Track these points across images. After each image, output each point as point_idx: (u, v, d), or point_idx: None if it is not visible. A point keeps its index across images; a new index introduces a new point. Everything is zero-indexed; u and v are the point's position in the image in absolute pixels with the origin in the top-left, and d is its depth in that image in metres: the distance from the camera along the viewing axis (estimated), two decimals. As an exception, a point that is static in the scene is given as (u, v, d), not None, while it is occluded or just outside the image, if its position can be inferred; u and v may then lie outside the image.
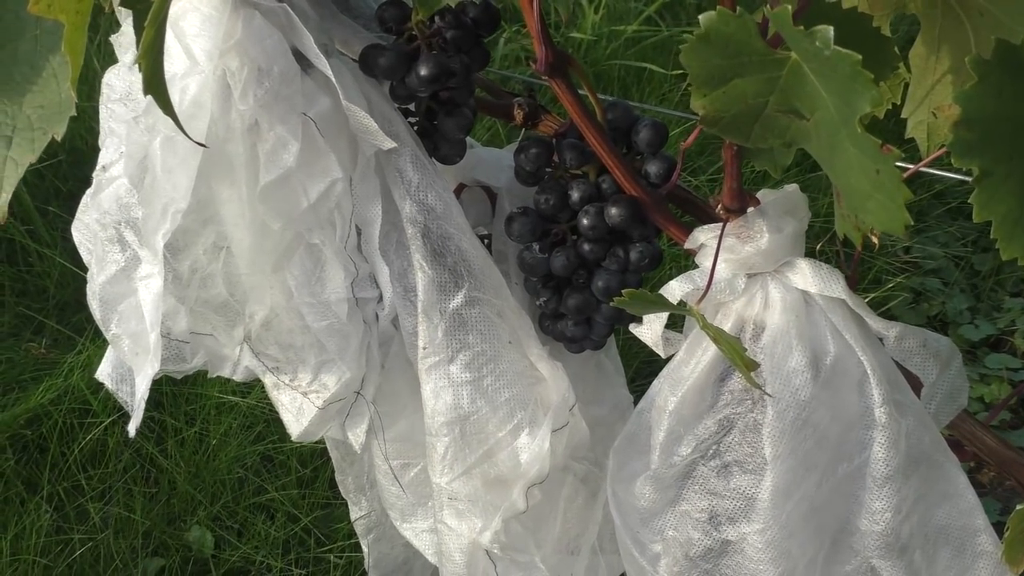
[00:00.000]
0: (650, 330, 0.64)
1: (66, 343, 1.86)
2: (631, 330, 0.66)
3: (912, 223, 0.42)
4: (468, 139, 0.78)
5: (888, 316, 2.03)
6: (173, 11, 0.60)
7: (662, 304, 0.54)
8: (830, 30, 0.37)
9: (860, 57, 0.37)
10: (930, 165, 0.65)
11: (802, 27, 0.38)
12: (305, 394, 0.71)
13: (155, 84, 0.43)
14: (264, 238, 0.66)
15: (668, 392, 0.63)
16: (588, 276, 0.70)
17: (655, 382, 0.65)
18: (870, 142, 0.39)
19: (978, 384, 1.85)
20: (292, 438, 0.72)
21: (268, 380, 0.72)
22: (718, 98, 0.43)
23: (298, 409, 0.71)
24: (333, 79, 0.61)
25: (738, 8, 0.41)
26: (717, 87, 0.43)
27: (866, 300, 1.92)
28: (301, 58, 0.63)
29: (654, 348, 0.65)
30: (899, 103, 0.72)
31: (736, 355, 0.53)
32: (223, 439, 1.68)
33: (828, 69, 0.39)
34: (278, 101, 0.62)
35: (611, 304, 0.60)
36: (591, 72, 2.42)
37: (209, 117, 0.60)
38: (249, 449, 1.68)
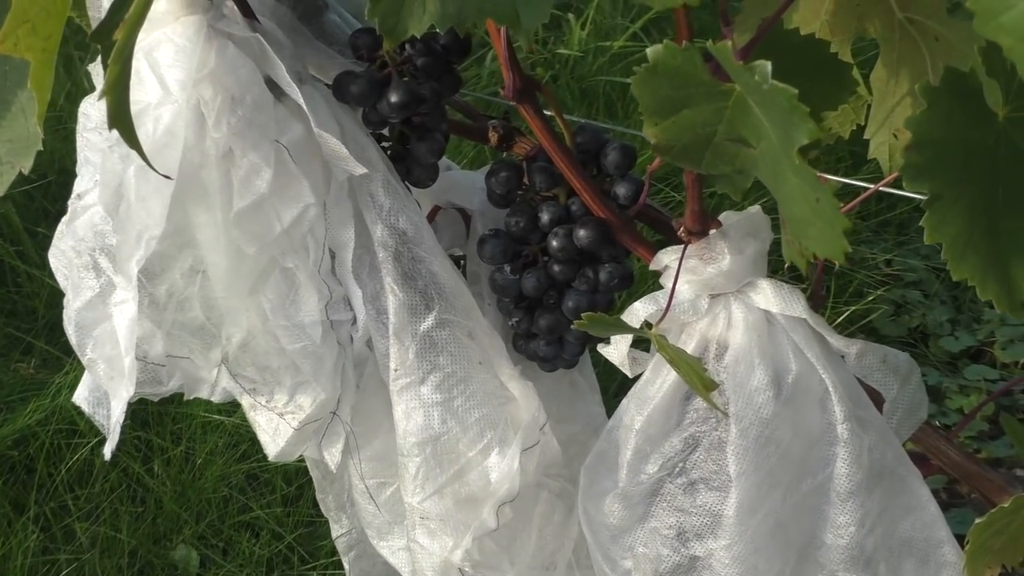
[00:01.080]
0: (616, 350, 0.65)
1: (54, 363, 1.87)
2: (599, 350, 0.67)
3: (850, 250, 0.43)
4: (446, 161, 0.79)
5: (869, 329, 2.04)
6: (147, 42, 0.62)
7: (621, 327, 0.55)
8: (768, 65, 0.39)
9: (796, 92, 0.38)
10: (897, 187, 0.67)
11: (741, 63, 0.40)
12: (281, 415, 0.72)
13: (120, 118, 0.44)
14: (240, 262, 0.67)
15: (635, 411, 0.64)
16: (559, 296, 0.71)
17: (623, 401, 0.66)
18: (808, 172, 0.41)
19: (957, 396, 1.86)
20: (269, 458, 0.73)
21: (245, 401, 0.73)
22: (669, 127, 0.44)
23: (275, 430, 0.72)
24: (304, 107, 0.62)
25: (684, 42, 0.42)
26: (667, 117, 0.44)
27: (847, 313, 1.95)
28: (274, 86, 0.65)
29: (621, 368, 0.66)
30: (863, 124, 0.74)
31: (695, 376, 0.54)
32: (209, 458, 1.68)
33: (768, 102, 0.40)
34: (251, 128, 0.63)
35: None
36: (577, 88, 2.44)
37: (183, 145, 0.61)
38: (234, 468, 1.69)
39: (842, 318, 1.93)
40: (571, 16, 2.60)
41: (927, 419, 0.69)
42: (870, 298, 1.96)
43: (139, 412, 1.73)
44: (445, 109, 0.69)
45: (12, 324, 1.95)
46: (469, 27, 0.54)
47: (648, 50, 0.42)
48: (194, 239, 0.67)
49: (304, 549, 1.64)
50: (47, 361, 1.89)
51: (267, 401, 0.71)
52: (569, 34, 2.58)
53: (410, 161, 0.70)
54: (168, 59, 0.62)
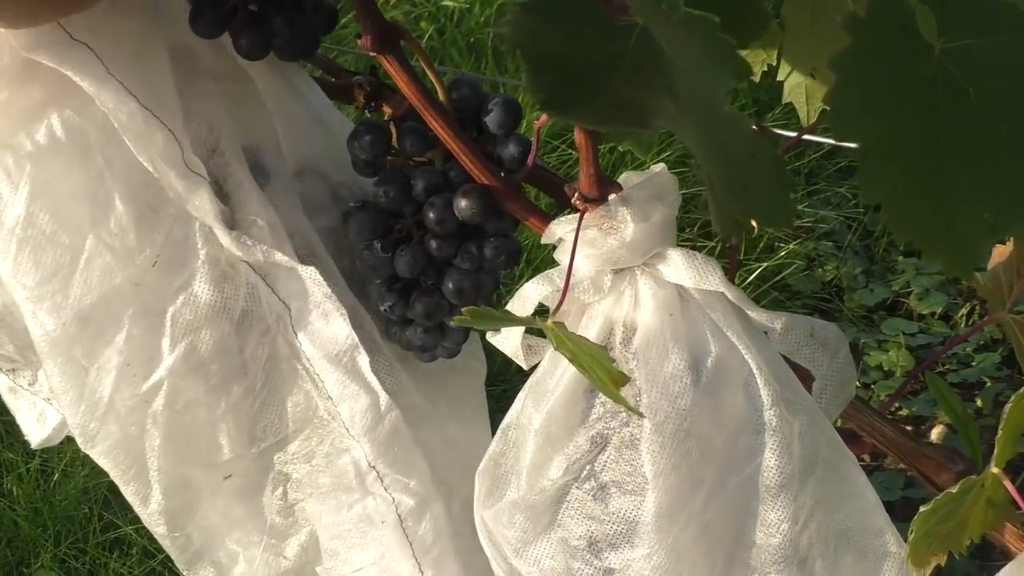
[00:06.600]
0: (508, 340, 0.56)
1: None
2: (488, 339, 0.58)
3: (799, 213, 0.35)
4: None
5: (783, 286, 1.98)
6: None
7: (509, 320, 0.46)
8: (677, -11, 0.30)
9: (717, 20, 0.29)
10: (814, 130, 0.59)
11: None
12: (48, 400, 0.65)
13: None
14: None
15: (532, 408, 0.56)
16: (438, 276, 0.62)
17: (518, 396, 0.57)
18: (741, 122, 0.32)
19: (876, 351, 1.82)
20: (32, 445, 0.67)
21: (3, 384, 0.66)
22: (556, 78, 0.35)
23: (39, 414, 0.66)
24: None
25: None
26: (553, 64, 0.35)
27: (759, 270, 1.89)
28: None
29: (515, 359, 0.57)
30: (775, 63, 0.66)
31: (600, 370, 0.45)
32: (67, 471, 1.53)
33: (680, 36, 0.31)
34: None
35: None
36: (464, 42, 2.33)
37: None
38: (96, 481, 1.53)
39: (754, 275, 1.87)
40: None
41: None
42: (782, 253, 1.90)
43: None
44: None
45: None
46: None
47: (522, -22, 0.33)
48: None
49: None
50: None
51: (30, 384, 0.64)
52: (455, -15, 2.46)
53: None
54: None
